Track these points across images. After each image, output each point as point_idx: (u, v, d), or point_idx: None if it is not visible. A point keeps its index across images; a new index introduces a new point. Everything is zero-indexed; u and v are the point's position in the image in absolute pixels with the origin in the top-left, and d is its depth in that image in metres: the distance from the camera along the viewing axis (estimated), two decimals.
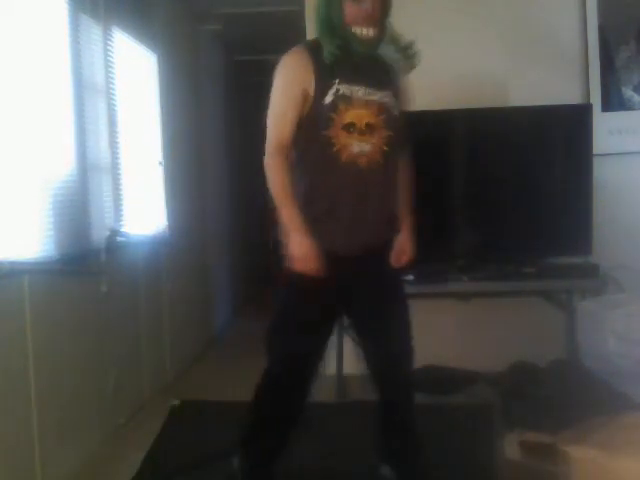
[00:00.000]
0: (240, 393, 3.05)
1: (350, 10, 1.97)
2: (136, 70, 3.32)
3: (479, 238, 3.48)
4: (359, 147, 2.02)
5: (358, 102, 2.01)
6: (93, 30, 2.74)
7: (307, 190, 2.06)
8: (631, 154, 3.50)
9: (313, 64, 2.00)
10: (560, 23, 3.53)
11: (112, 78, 2.92)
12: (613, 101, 3.50)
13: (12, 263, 2.09)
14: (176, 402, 3.23)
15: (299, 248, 1.98)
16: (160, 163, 3.64)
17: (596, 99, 3.47)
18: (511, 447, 2.36)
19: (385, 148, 2.06)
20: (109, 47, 2.89)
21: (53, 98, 2.39)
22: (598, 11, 3.46)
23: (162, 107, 3.67)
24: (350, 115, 2.00)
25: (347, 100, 2.00)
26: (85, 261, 2.61)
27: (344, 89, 2.00)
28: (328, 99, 1.99)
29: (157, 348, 3.53)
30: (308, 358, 2.14)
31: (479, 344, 3.61)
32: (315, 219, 2.04)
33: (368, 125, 2.02)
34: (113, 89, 2.93)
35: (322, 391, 3.36)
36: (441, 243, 3.50)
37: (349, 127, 2.01)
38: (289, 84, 2.02)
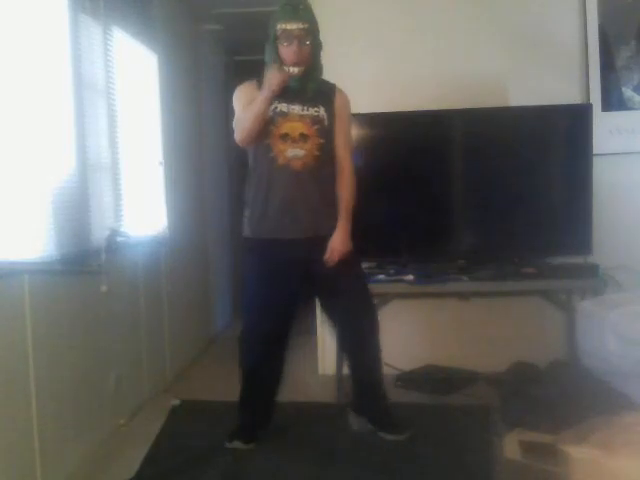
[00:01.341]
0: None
1: (283, 52, 2.52)
2: (136, 70, 3.31)
3: (479, 238, 3.49)
4: (293, 152, 2.54)
5: (293, 117, 2.55)
6: (93, 30, 2.74)
7: (254, 187, 2.62)
8: (631, 154, 3.51)
9: (258, 90, 2.54)
10: (560, 23, 3.53)
11: (112, 78, 2.92)
12: (613, 101, 3.50)
13: (12, 263, 2.09)
14: (176, 402, 3.23)
15: (272, 77, 2.46)
16: (160, 163, 3.64)
17: (596, 99, 3.48)
18: (511, 447, 2.36)
19: (317, 153, 2.56)
20: (109, 47, 2.89)
21: (53, 98, 2.39)
22: (598, 11, 3.47)
23: (162, 107, 3.67)
24: (285, 127, 2.54)
25: (283, 115, 2.54)
26: (85, 261, 2.60)
27: (282, 107, 2.54)
28: (268, 114, 2.52)
29: (157, 348, 3.53)
30: (267, 315, 2.63)
31: (479, 344, 3.62)
32: (260, 211, 2.59)
33: (302, 135, 2.54)
34: (113, 89, 2.93)
35: (322, 391, 3.37)
36: (441, 243, 3.51)
37: (284, 137, 2.54)
38: (243, 101, 2.59)
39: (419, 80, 3.55)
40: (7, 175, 2.11)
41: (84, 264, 2.59)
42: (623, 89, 3.51)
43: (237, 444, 2.67)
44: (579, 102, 3.50)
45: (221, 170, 5.42)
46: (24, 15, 2.19)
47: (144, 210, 3.36)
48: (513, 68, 3.54)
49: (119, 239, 2.90)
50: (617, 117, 3.49)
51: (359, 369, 2.80)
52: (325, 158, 2.60)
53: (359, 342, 2.77)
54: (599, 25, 3.47)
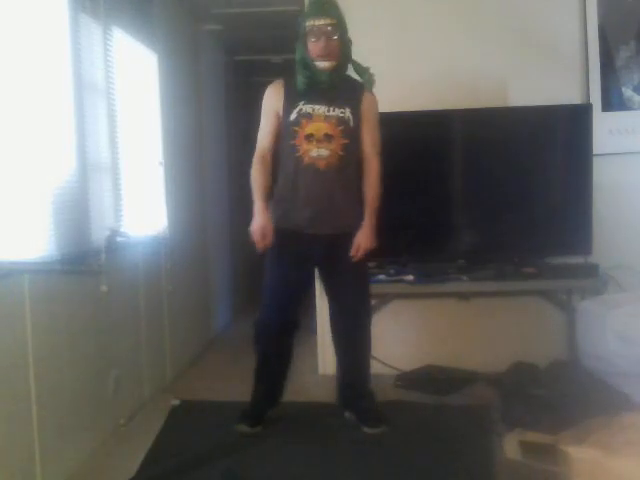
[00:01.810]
0: (240, 393, 3.06)
1: (311, 48, 2.60)
2: (136, 70, 3.31)
3: (479, 238, 3.49)
4: (317, 152, 2.62)
5: (318, 117, 2.63)
6: (93, 30, 2.74)
7: (281, 184, 2.72)
8: (631, 154, 3.51)
9: (284, 92, 2.68)
10: (560, 23, 3.53)
11: (112, 78, 2.92)
12: (613, 101, 3.50)
13: (12, 263, 2.09)
14: (176, 402, 3.23)
15: (256, 225, 2.66)
16: (160, 163, 3.64)
17: (596, 99, 3.48)
18: (511, 447, 2.36)
19: (341, 153, 2.64)
20: (109, 47, 2.89)
21: (53, 98, 2.39)
22: (598, 11, 3.47)
23: (162, 107, 3.67)
24: (311, 128, 2.62)
25: (308, 116, 2.63)
26: (85, 261, 2.60)
27: (307, 108, 2.63)
28: (293, 116, 2.64)
29: (157, 348, 3.53)
30: (283, 302, 2.76)
31: (479, 344, 3.62)
32: (285, 206, 2.70)
33: (327, 135, 2.62)
34: (113, 89, 2.93)
35: (322, 391, 3.37)
36: (441, 243, 3.51)
37: (309, 137, 2.62)
38: (266, 108, 2.73)
39: (419, 80, 3.56)
40: (7, 175, 2.11)
41: (84, 264, 2.60)
42: (623, 89, 3.51)
43: (243, 427, 2.76)
44: (579, 102, 3.50)
45: (221, 170, 5.42)
46: (24, 15, 2.19)
47: (144, 210, 3.36)
48: (513, 68, 3.54)
49: (119, 239, 2.90)
50: (617, 117, 3.49)
51: (347, 366, 2.91)
52: (349, 158, 2.68)
53: (350, 339, 2.87)
54: (599, 25, 3.47)
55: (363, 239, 2.70)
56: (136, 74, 3.31)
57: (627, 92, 3.50)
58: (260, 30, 4.82)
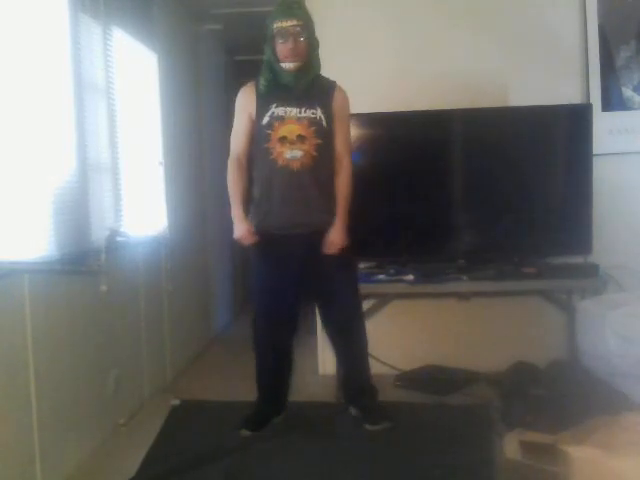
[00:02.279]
0: (240, 393, 3.07)
1: (279, 49, 2.61)
2: (136, 70, 3.31)
3: (479, 238, 3.48)
4: (291, 154, 2.63)
5: (290, 120, 2.64)
6: (93, 30, 2.74)
7: (258, 188, 2.72)
8: (631, 154, 3.51)
9: (256, 95, 2.70)
10: (560, 23, 3.53)
11: (112, 78, 2.92)
12: (613, 101, 3.50)
13: (12, 263, 2.09)
14: (176, 402, 3.23)
15: (238, 233, 2.71)
16: (160, 163, 3.64)
17: (596, 99, 3.47)
18: (511, 447, 2.36)
19: (314, 153, 2.65)
20: (109, 47, 2.89)
21: (53, 98, 2.39)
22: (598, 11, 3.47)
23: (162, 107, 3.67)
24: (283, 130, 2.63)
25: (281, 119, 2.64)
26: (85, 261, 2.60)
27: (278, 111, 2.64)
28: (265, 120, 2.65)
29: (157, 348, 3.53)
30: (273, 303, 2.77)
31: (479, 344, 3.61)
32: (263, 209, 2.70)
33: (299, 136, 2.63)
34: (113, 89, 2.93)
35: (322, 391, 3.37)
36: (441, 243, 3.51)
37: (283, 139, 2.63)
38: (239, 112, 2.75)
39: (419, 80, 3.55)
40: (8, 175, 2.11)
41: (84, 264, 2.60)
42: (623, 89, 3.50)
43: (246, 432, 2.77)
44: (579, 102, 3.50)
45: (221, 170, 5.40)
46: (24, 15, 2.19)
47: (144, 210, 3.36)
48: (513, 68, 3.54)
49: (119, 239, 2.90)
50: (617, 117, 3.49)
51: (346, 364, 2.96)
52: (323, 158, 2.68)
53: (345, 340, 2.90)
54: (599, 25, 3.47)
55: (335, 237, 2.71)
56: (136, 74, 3.31)
57: (627, 92, 3.50)
58: (260, 30, 4.81)
